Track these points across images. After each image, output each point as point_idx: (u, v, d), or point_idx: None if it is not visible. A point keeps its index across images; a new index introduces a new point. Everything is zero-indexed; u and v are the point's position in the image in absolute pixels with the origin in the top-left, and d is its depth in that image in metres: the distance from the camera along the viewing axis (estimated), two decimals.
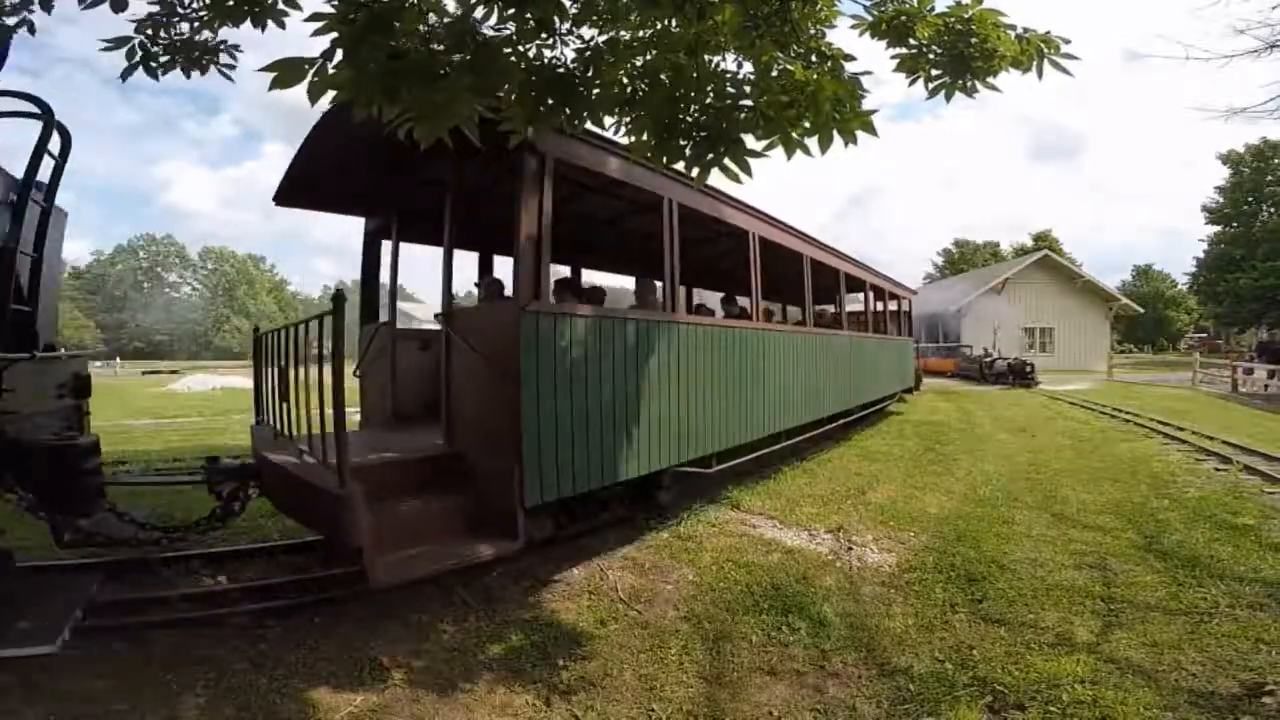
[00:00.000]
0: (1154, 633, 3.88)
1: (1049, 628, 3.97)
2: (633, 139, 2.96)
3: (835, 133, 2.78)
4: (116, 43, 3.38)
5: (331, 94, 2.36)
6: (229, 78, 3.62)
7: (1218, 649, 3.66)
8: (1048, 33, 2.97)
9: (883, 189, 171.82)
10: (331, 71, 2.31)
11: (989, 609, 4.26)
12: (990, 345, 29.09)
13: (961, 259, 68.74)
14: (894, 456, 9.66)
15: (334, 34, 2.28)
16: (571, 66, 2.79)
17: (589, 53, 2.79)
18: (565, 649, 3.69)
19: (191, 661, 3.37)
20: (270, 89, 2.31)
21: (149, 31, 3.49)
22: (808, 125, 2.77)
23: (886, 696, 3.30)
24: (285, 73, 2.29)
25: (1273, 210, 41.20)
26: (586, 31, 2.87)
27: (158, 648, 3.49)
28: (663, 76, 2.88)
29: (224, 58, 3.63)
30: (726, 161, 2.77)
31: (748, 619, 4.10)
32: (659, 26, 2.88)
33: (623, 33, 2.93)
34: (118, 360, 47.33)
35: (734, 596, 4.42)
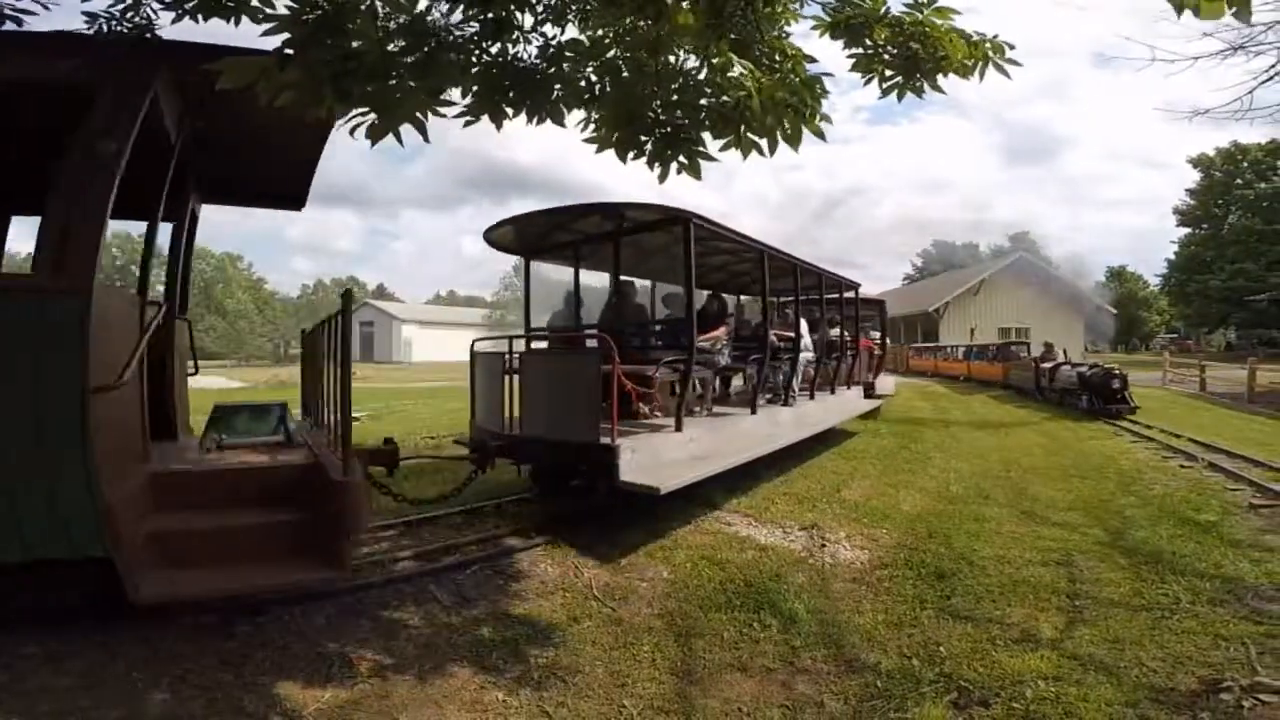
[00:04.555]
0: (1117, 629, 3.95)
1: (1015, 624, 4.04)
2: (598, 134, 2.98)
3: (780, 136, 2.84)
4: (89, 17, 3.33)
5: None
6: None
7: (1178, 645, 3.73)
8: (995, 36, 3.03)
9: (861, 191, 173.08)
10: (283, 71, 2.32)
11: (957, 605, 4.32)
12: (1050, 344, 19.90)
13: (939, 260, 69.56)
14: (869, 455, 9.77)
15: (285, 35, 2.28)
16: (533, 64, 2.81)
17: (551, 51, 2.82)
18: (538, 645, 3.70)
19: (158, 659, 3.32)
20: (218, 87, 2.32)
21: (119, 11, 3.42)
22: (759, 125, 2.82)
23: (854, 693, 3.33)
24: (233, 72, 2.31)
25: (1241, 213, 42.02)
26: (550, 29, 2.90)
27: (124, 646, 3.44)
28: (624, 75, 2.91)
29: None
30: (682, 159, 2.83)
31: (720, 616, 4.12)
32: (625, 24, 2.90)
33: (586, 31, 2.95)
34: None
35: (707, 594, 4.44)
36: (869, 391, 13.26)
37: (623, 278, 8.11)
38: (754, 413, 7.79)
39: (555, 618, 4.05)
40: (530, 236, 7.89)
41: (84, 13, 3.21)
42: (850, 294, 12.21)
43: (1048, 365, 17.78)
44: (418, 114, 2.55)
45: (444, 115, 2.70)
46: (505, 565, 4.67)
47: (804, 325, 9.27)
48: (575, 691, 3.29)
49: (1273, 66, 5.80)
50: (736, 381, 10.13)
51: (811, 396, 9.77)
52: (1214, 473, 8.33)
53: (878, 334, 16.90)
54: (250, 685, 3.17)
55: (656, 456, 5.63)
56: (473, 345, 7.05)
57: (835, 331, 11.59)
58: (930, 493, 7.44)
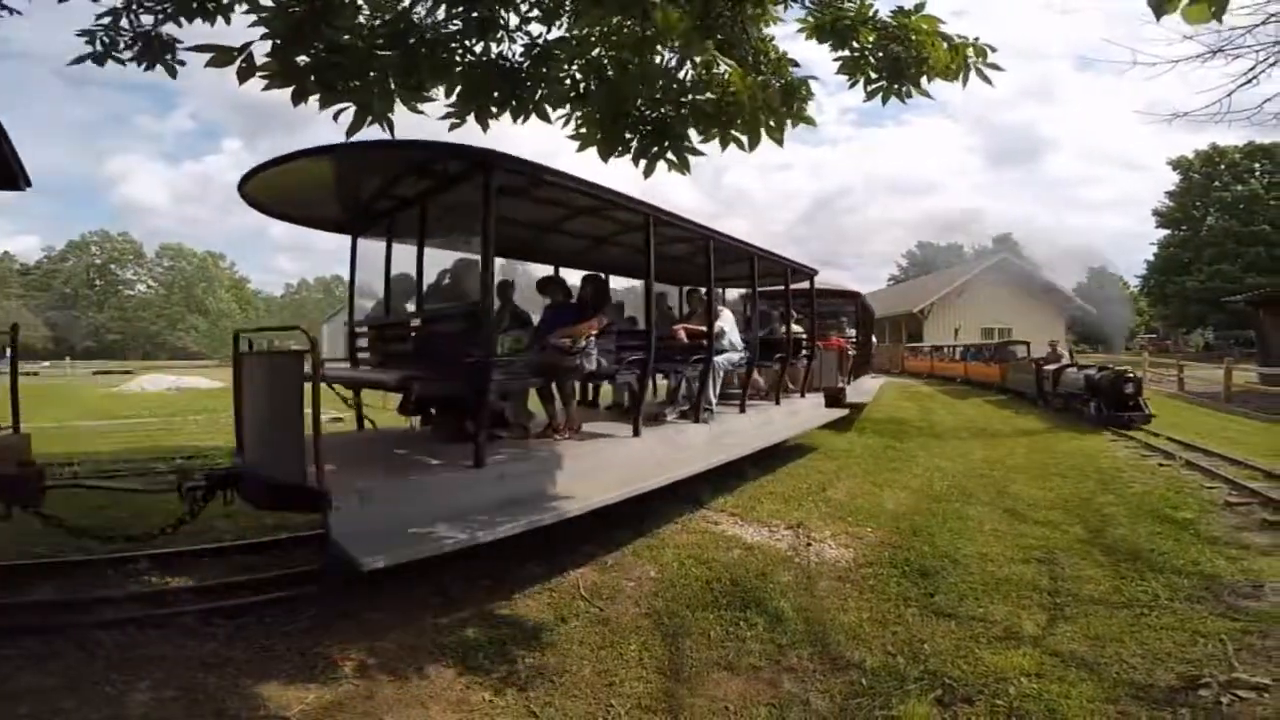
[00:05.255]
0: (1097, 626, 4.00)
1: (997, 621, 4.08)
2: (582, 132, 2.99)
3: (764, 132, 2.88)
4: (86, 34, 3.29)
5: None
6: (173, 72, 3.48)
7: (1157, 642, 3.79)
8: (977, 40, 3.05)
9: (848, 193, 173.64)
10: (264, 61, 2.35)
11: (940, 603, 4.35)
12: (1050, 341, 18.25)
13: (925, 261, 70.11)
14: (854, 454, 9.82)
15: (264, 29, 2.32)
16: (518, 62, 2.82)
17: (536, 50, 2.83)
18: (524, 645, 3.69)
19: (139, 661, 3.30)
20: (206, 65, 2.37)
21: (109, 21, 3.39)
22: (741, 122, 2.86)
23: (839, 690, 3.35)
24: (218, 56, 2.34)
25: (1219, 215, 42.69)
26: (535, 28, 2.91)
27: (104, 648, 3.41)
28: (610, 74, 2.93)
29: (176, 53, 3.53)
30: (669, 155, 2.85)
31: (707, 614, 4.13)
32: (611, 24, 2.91)
33: (572, 30, 2.97)
34: (68, 360, 46.07)
35: (694, 593, 4.46)
36: (836, 399, 11.29)
37: (462, 256, 5.90)
38: (637, 434, 5.94)
39: (542, 618, 4.04)
40: (350, 206, 5.99)
41: (96, 15, 3.19)
42: (804, 284, 10.02)
43: (1051, 367, 15.72)
44: (389, 111, 2.57)
45: (422, 113, 2.71)
46: (491, 565, 4.64)
47: (727, 318, 7.61)
48: (562, 691, 3.28)
49: (1251, 70, 5.87)
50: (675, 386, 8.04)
51: (742, 409, 7.89)
52: (1191, 471, 8.46)
53: (853, 331, 15.43)
54: (233, 686, 3.15)
55: (419, 506, 3.95)
56: (236, 339, 4.73)
57: (788, 328, 9.26)
58: (914, 491, 7.50)
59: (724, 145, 2.91)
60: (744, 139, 2.91)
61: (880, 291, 51.27)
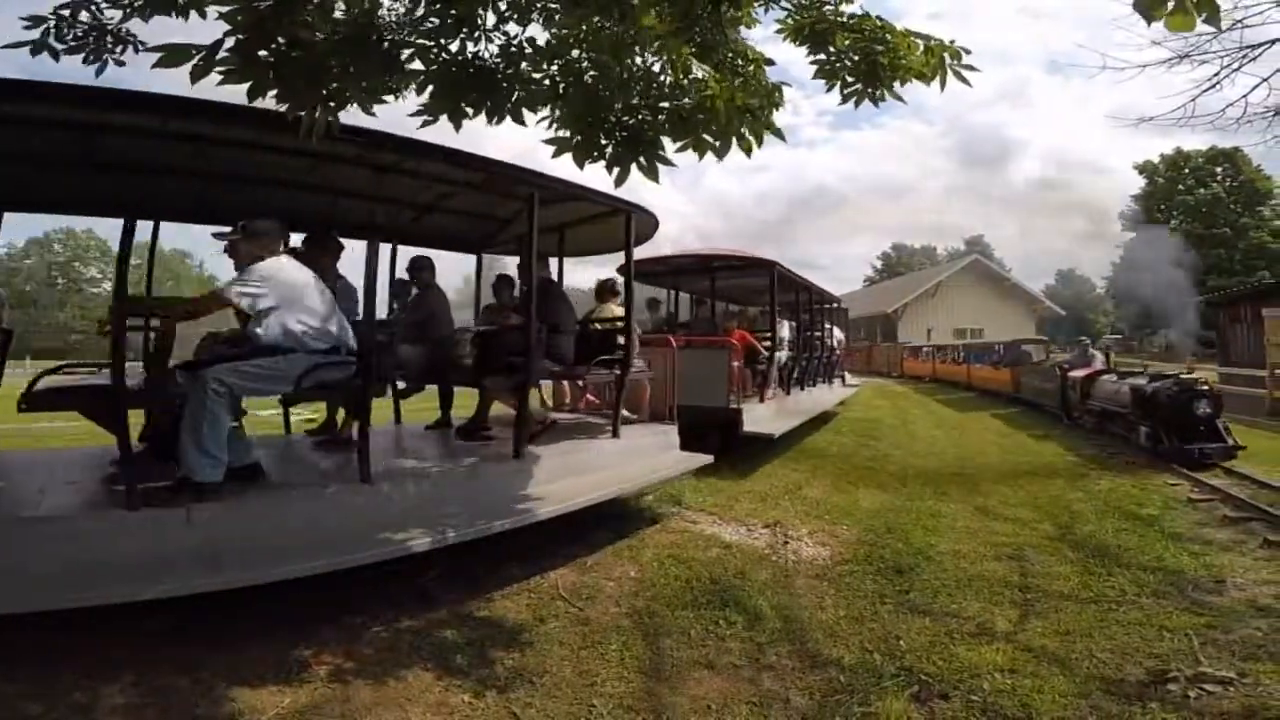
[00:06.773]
0: (1067, 621, 4.07)
1: (971, 617, 4.14)
2: (558, 135, 2.99)
3: (737, 142, 2.92)
4: (34, 21, 3.20)
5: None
6: (120, 62, 3.39)
7: (1125, 637, 3.86)
8: (953, 42, 3.08)
9: (825, 194, 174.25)
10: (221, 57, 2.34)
11: (915, 600, 4.42)
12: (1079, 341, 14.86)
13: (899, 263, 70.99)
14: (830, 453, 9.92)
15: (226, 25, 2.31)
16: (494, 63, 2.82)
17: (513, 49, 2.83)
18: (503, 646, 3.67)
19: (110, 665, 3.22)
20: (153, 67, 2.34)
21: (66, 13, 3.30)
22: (715, 129, 2.89)
23: (818, 688, 3.38)
24: (171, 55, 2.31)
25: (1182, 218, 43.74)
26: (512, 28, 2.90)
27: (77, 651, 3.32)
28: (587, 77, 2.93)
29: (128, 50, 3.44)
30: (642, 162, 2.87)
31: (687, 614, 4.15)
32: (591, 24, 2.91)
33: (549, 30, 2.98)
34: (28, 360, 44.94)
35: (674, 592, 4.47)
36: (724, 429, 7.81)
37: None
38: None
39: (521, 618, 4.03)
40: None
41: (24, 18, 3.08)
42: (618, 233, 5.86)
43: (1079, 374, 11.92)
44: (343, 109, 2.56)
45: (373, 114, 2.70)
46: (469, 566, 4.61)
47: (263, 273, 3.76)
48: (543, 692, 3.27)
49: (1215, 75, 6.04)
50: None
51: (363, 475, 4.07)
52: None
53: (789, 323, 10.98)
54: (207, 691, 3.09)
55: None
56: None
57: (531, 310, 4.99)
58: (889, 489, 7.59)
59: (700, 154, 2.94)
60: (716, 145, 2.93)
61: (855, 293, 51.88)
